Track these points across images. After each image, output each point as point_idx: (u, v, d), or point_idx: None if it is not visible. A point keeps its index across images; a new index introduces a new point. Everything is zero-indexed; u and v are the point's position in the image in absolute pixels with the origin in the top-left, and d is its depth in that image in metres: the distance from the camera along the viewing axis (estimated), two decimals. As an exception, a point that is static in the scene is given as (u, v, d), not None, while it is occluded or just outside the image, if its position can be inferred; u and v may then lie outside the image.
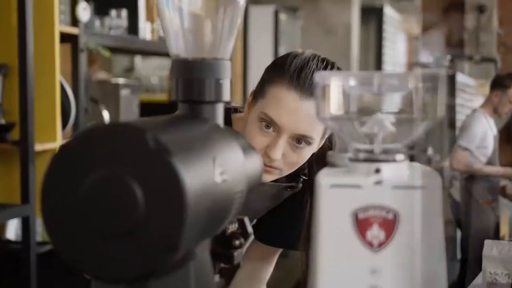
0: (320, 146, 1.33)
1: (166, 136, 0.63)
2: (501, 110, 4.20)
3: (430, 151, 5.49)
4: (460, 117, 7.34)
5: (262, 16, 4.80)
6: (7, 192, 2.43)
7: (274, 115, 1.23)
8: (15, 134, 2.39)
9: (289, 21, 4.91)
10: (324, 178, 0.69)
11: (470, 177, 4.21)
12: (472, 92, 7.88)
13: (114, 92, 2.96)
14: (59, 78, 2.51)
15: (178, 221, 0.60)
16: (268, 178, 1.29)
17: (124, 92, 2.96)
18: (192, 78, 0.80)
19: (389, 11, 7.56)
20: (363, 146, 0.72)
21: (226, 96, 0.82)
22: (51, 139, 2.48)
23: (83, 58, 2.65)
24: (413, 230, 0.67)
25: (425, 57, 5.66)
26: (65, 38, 2.60)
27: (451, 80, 6.98)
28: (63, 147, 0.62)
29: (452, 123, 7.04)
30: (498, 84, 4.17)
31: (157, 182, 0.60)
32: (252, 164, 0.85)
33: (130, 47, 3.18)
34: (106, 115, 2.88)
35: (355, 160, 0.71)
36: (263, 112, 1.24)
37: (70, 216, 0.62)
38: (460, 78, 7.21)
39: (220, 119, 0.82)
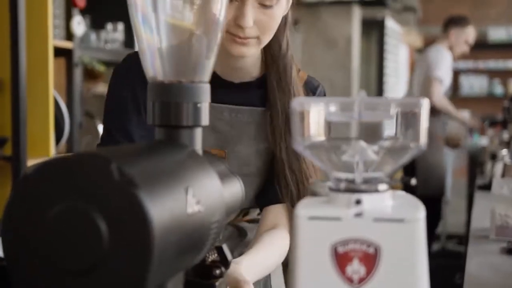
0: (289, 1, 1.28)
1: (133, 167, 0.60)
2: (456, 50, 4.32)
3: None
4: (388, 65, 7.39)
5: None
6: (-1, 208, 2.40)
7: None
8: (7, 150, 2.37)
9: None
10: (302, 209, 0.66)
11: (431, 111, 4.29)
12: (398, 39, 7.94)
13: (110, 106, 2.92)
14: (53, 92, 2.48)
15: (144, 257, 0.57)
16: (248, 50, 1.23)
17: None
18: (169, 102, 0.77)
19: (390, 24, 7.53)
20: (344, 175, 0.68)
21: (205, 121, 0.79)
22: (44, 155, 2.45)
23: (77, 72, 2.62)
24: (396, 265, 0.64)
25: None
26: (60, 52, 2.57)
27: (380, 25, 7.02)
28: (26, 177, 0.59)
29: (381, 67, 7.14)
30: (455, 23, 4.31)
31: (122, 216, 0.57)
32: (231, 190, 0.82)
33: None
34: (101, 129, 2.85)
35: (336, 190, 0.67)
36: None
37: (30, 249, 0.59)
38: (389, 23, 7.21)
39: (198, 144, 0.79)
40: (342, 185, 0.67)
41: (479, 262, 1.58)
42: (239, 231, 1.39)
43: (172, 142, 0.77)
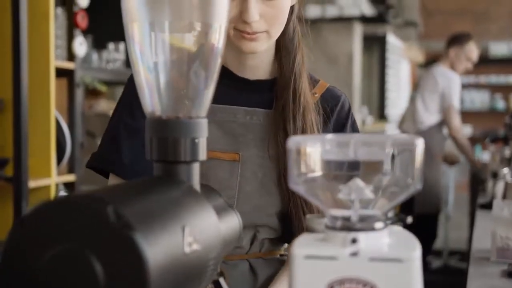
0: None
1: (130, 208, 0.60)
2: (458, 67, 4.38)
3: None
4: (389, 80, 7.41)
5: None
6: (0, 229, 2.40)
7: None
8: (8, 171, 2.37)
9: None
10: (298, 248, 0.66)
11: (427, 130, 4.29)
12: (400, 54, 7.98)
13: (111, 125, 2.93)
14: (54, 113, 2.49)
15: (140, 300, 0.57)
16: (258, 46, 1.18)
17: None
18: (167, 137, 0.78)
19: (391, 39, 7.55)
20: (340, 212, 0.69)
21: (202, 155, 0.79)
22: (45, 175, 2.46)
23: (79, 93, 2.63)
24: (391, 305, 0.64)
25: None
26: (62, 72, 2.59)
27: (382, 40, 7.05)
28: (22, 220, 0.60)
29: (382, 83, 7.16)
30: (454, 41, 4.38)
31: (118, 259, 0.57)
32: (228, 224, 0.82)
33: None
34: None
35: (332, 228, 0.68)
36: None
37: (28, 292, 0.59)
38: (391, 39, 7.24)
39: (196, 180, 0.79)
40: (338, 223, 0.68)
41: (479, 285, 1.58)
42: (252, 271, 1.28)
43: (170, 177, 0.77)
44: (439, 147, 4.36)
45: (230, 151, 1.22)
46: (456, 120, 4.22)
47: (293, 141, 0.68)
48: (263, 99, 1.26)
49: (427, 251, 4.39)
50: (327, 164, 0.69)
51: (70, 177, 2.66)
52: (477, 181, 4.76)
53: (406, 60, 8.93)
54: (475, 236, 2.20)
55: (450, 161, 4.94)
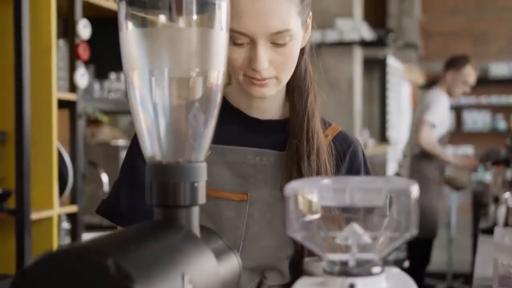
0: (307, 33, 1.22)
1: (129, 259, 0.61)
2: (455, 90, 4.39)
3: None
4: (390, 102, 7.41)
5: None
6: (2, 262, 2.40)
7: (237, 26, 1.11)
8: (11, 203, 2.38)
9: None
10: (297, 294, 0.67)
11: (421, 154, 4.25)
12: (400, 76, 7.99)
13: (114, 155, 2.95)
14: (57, 144, 2.50)
15: None
16: (268, 91, 1.17)
17: (125, 154, 2.95)
18: (167, 182, 0.79)
19: (392, 62, 7.59)
20: (338, 257, 0.69)
21: (202, 199, 0.80)
22: (48, 207, 2.46)
23: (80, 124, 2.65)
24: None
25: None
26: (63, 103, 2.61)
27: (382, 63, 7.07)
28: (23, 272, 0.60)
29: (383, 105, 7.15)
30: (451, 65, 4.39)
31: (119, 310, 0.58)
32: (228, 266, 0.82)
33: (128, 110, 3.18)
34: (105, 179, 2.87)
35: (329, 273, 0.68)
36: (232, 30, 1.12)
37: None
38: (391, 61, 7.25)
39: (195, 223, 0.80)
40: (336, 268, 0.68)
41: (482, 315, 1.58)
42: None
43: (169, 222, 0.78)
44: (437, 170, 4.33)
45: (239, 192, 1.21)
46: (424, 132, 4.15)
47: (290, 188, 0.69)
48: (274, 140, 1.25)
49: (420, 276, 4.36)
50: (325, 210, 0.70)
51: (73, 208, 2.67)
52: (479, 204, 4.75)
53: (407, 82, 8.96)
54: (477, 263, 2.20)
55: (455, 186, 4.92)
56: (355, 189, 0.68)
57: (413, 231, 0.68)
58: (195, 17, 0.79)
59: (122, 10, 0.78)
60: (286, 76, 1.18)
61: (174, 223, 0.78)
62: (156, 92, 0.80)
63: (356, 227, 0.70)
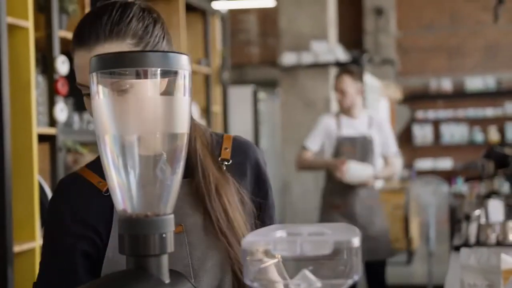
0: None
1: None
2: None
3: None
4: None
5: (242, 96, 4.92)
6: (-14, 295, 2.45)
7: (79, 79, 1.19)
8: (-7, 236, 2.44)
9: (269, 98, 5.03)
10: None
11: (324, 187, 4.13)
12: (378, 93, 8.12)
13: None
14: (37, 178, 2.57)
15: None
16: None
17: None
18: (137, 234, 0.87)
19: (369, 80, 7.72)
20: (291, 301, 0.78)
21: (170, 248, 0.88)
22: (30, 239, 2.53)
23: (61, 157, 2.72)
24: None
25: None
26: (43, 138, 2.67)
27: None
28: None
29: None
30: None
31: None
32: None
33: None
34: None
35: (284, 316, 0.77)
36: (78, 84, 1.20)
37: None
38: (368, 80, 7.40)
39: (165, 270, 0.88)
40: (289, 312, 0.77)
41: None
42: None
43: (140, 270, 0.86)
44: (363, 198, 4.13)
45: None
46: (298, 156, 4.14)
47: (247, 241, 0.77)
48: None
49: None
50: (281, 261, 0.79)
51: (55, 238, 2.73)
52: (455, 218, 4.84)
53: (385, 98, 9.10)
54: (447, 283, 2.28)
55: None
56: (305, 241, 0.77)
57: (356, 277, 0.77)
58: (159, 85, 0.87)
59: (95, 81, 0.86)
60: None
61: (144, 272, 0.86)
62: (126, 153, 0.88)
63: (307, 273, 0.78)
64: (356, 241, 0.76)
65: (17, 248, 2.45)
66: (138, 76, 0.87)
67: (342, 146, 4.10)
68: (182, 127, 0.88)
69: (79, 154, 3.47)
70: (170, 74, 0.87)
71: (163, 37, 1.25)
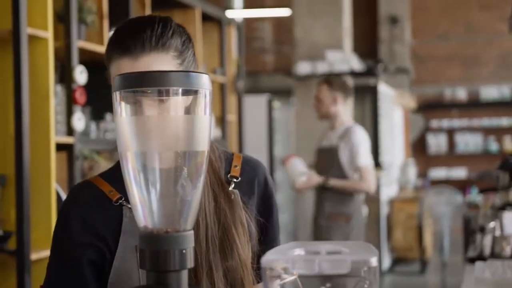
0: None
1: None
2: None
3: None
4: (382, 128, 7.50)
5: (257, 104, 4.93)
6: (3, 302, 2.49)
7: None
8: (11, 244, 2.47)
9: (283, 107, 5.05)
10: None
11: (322, 190, 4.01)
12: (392, 102, 8.09)
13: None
14: (55, 186, 2.60)
15: None
16: None
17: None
18: (158, 250, 0.88)
19: (383, 89, 7.71)
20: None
21: (190, 263, 0.90)
22: (47, 247, 2.55)
23: (78, 165, 2.75)
24: None
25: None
26: (61, 146, 2.71)
27: (373, 90, 7.14)
28: None
29: (376, 131, 7.20)
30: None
31: None
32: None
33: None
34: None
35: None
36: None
37: None
38: (382, 88, 7.39)
39: (184, 285, 0.89)
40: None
41: None
42: None
43: (160, 286, 0.88)
44: (328, 211, 4.04)
45: None
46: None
47: (265, 260, 0.79)
48: None
49: None
50: (299, 278, 0.80)
51: (71, 246, 2.76)
52: (470, 229, 4.81)
53: (399, 106, 9.08)
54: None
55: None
56: (323, 260, 0.78)
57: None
58: (181, 104, 0.89)
59: (117, 99, 0.88)
60: None
61: (165, 287, 0.88)
62: (148, 170, 0.90)
63: (325, 291, 0.79)
64: (374, 261, 0.77)
65: (34, 256, 2.47)
66: (160, 95, 0.89)
67: (316, 157, 4.16)
68: (203, 145, 0.90)
69: (95, 161, 3.51)
70: (191, 93, 0.89)
71: (194, 54, 1.28)
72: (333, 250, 0.81)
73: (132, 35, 1.21)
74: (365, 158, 4.01)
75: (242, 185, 1.33)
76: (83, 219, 1.28)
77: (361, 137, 4.07)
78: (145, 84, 0.88)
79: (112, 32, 1.28)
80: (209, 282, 1.20)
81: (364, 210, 4.23)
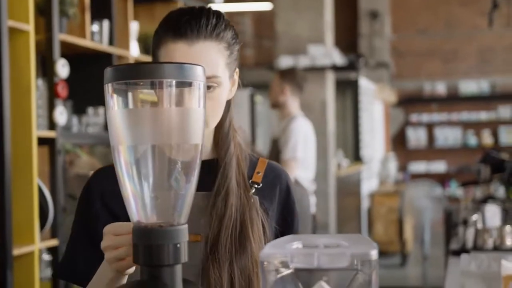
0: (234, 87, 1.30)
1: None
2: None
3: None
4: (363, 122, 7.56)
5: (239, 99, 4.90)
6: (-15, 298, 2.45)
7: None
8: (-7, 239, 2.43)
9: (265, 101, 5.04)
10: None
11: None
12: (373, 96, 8.15)
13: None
14: (37, 181, 2.56)
15: None
16: None
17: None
18: (151, 244, 0.87)
19: (364, 83, 7.74)
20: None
21: (184, 258, 0.89)
22: (29, 242, 2.52)
23: (60, 160, 2.72)
24: None
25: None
26: (43, 141, 2.67)
27: (354, 84, 7.19)
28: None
29: (356, 125, 7.25)
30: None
31: None
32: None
33: (106, 142, 3.26)
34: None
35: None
36: None
37: None
38: (363, 83, 7.45)
39: (178, 280, 0.88)
40: (305, 324, 0.77)
41: None
42: None
43: (154, 280, 0.86)
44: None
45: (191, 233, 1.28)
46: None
47: (264, 254, 0.78)
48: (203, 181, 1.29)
49: None
50: (296, 271, 0.79)
51: (53, 242, 2.73)
52: (451, 222, 4.83)
53: (379, 101, 9.12)
54: (447, 287, 2.29)
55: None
56: (322, 253, 0.77)
57: (372, 289, 0.77)
58: (174, 97, 0.87)
59: (109, 91, 0.86)
60: (213, 121, 1.26)
61: (158, 281, 0.86)
62: (140, 163, 0.88)
63: (324, 284, 0.79)
64: (373, 254, 0.76)
65: (16, 251, 2.44)
66: (153, 87, 0.87)
67: (269, 148, 4.20)
68: (197, 138, 0.89)
69: (76, 155, 3.47)
70: (185, 85, 0.88)
71: (238, 51, 1.30)
72: (331, 243, 0.80)
73: (189, 21, 1.22)
74: (291, 151, 3.93)
75: (264, 191, 1.32)
76: (103, 197, 1.28)
77: (296, 130, 4.00)
78: (137, 76, 0.87)
79: (165, 17, 1.28)
80: (219, 276, 1.20)
81: (311, 200, 4.11)
